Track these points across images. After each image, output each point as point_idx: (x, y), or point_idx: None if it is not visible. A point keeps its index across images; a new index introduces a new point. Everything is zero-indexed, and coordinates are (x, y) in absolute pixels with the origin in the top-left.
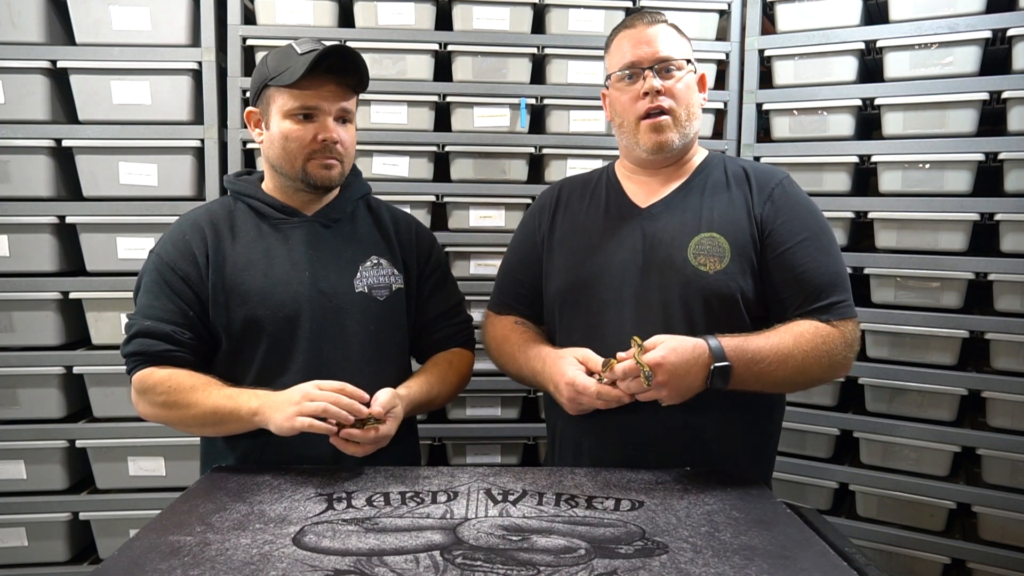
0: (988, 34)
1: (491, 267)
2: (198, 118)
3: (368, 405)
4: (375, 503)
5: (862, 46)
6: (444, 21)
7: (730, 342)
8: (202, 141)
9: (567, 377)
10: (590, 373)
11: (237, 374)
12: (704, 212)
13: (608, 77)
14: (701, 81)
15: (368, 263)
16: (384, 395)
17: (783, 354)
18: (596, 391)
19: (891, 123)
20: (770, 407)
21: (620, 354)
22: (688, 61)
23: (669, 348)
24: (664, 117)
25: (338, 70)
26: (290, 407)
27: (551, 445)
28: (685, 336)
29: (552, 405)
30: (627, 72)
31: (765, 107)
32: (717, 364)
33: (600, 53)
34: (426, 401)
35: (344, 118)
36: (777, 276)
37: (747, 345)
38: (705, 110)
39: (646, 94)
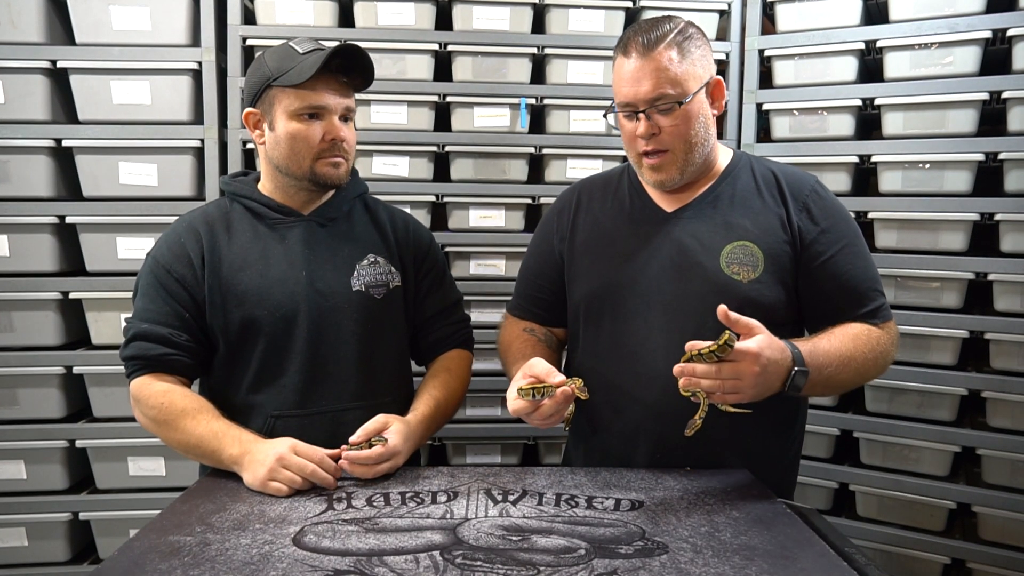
0: (988, 34)
1: (491, 267)
2: (198, 118)
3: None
4: (375, 503)
5: (862, 46)
6: (444, 21)
7: (804, 347)
8: (202, 141)
9: (509, 391)
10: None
11: (235, 376)
12: (735, 220)
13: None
14: (717, 89)
15: (365, 261)
16: (372, 423)
17: (846, 358)
18: (511, 408)
19: (891, 123)
20: (795, 410)
21: (699, 343)
22: (689, 90)
23: (766, 341)
24: (663, 156)
25: (345, 69)
26: (262, 468)
27: (574, 447)
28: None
29: (576, 408)
30: (624, 111)
31: (765, 107)
32: (798, 369)
33: (600, 53)
34: (438, 415)
35: (346, 116)
36: (819, 285)
37: (817, 350)
38: None
39: (641, 136)
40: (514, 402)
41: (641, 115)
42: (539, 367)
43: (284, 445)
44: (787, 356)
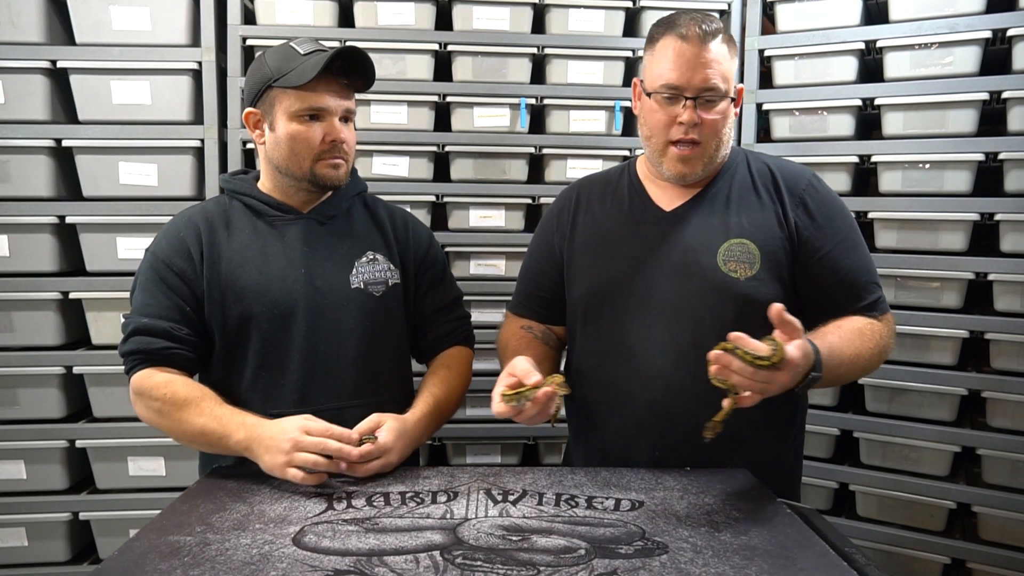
0: (988, 34)
1: (491, 267)
2: (198, 118)
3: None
4: (375, 503)
5: (862, 46)
6: (444, 21)
7: (822, 347)
8: (202, 141)
9: (494, 391)
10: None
11: (233, 373)
12: (732, 217)
13: (642, 74)
14: (739, 96)
15: (364, 259)
16: (365, 422)
17: (855, 356)
18: (494, 410)
19: (891, 123)
20: (793, 410)
21: (748, 340)
22: (731, 89)
23: (802, 349)
24: (695, 149)
25: (346, 71)
26: (280, 456)
27: (574, 446)
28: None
29: (576, 408)
30: (667, 93)
31: (765, 107)
32: (814, 374)
33: (600, 53)
34: (438, 413)
35: (347, 117)
36: (818, 280)
37: (833, 351)
38: None
39: (681, 123)
40: (496, 405)
41: (689, 102)
42: (519, 367)
43: (294, 428)
44: (810, 362)
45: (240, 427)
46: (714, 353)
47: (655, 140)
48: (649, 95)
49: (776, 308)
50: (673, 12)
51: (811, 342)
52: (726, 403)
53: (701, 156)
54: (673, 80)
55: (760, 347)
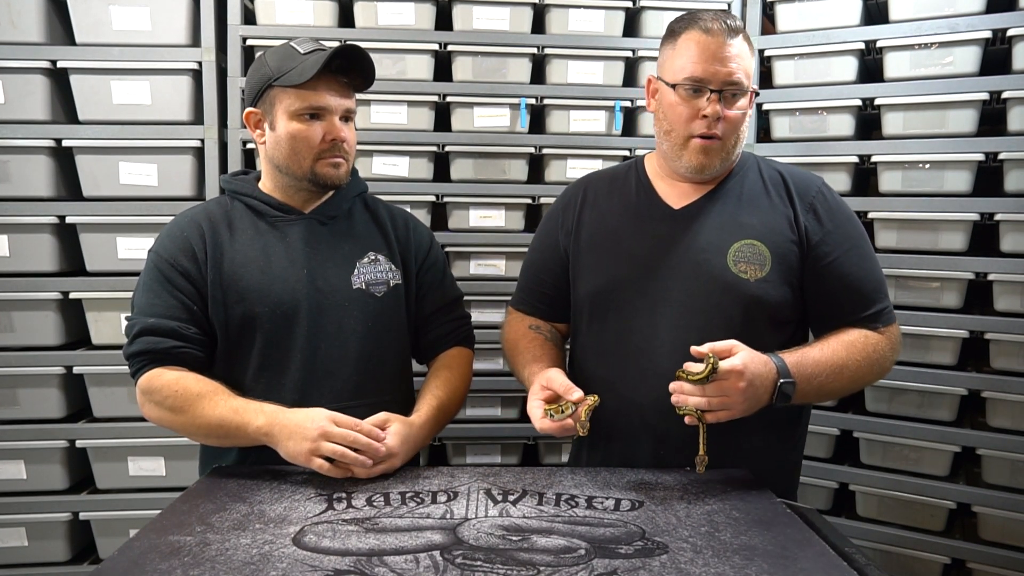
0: (988, 34)
1: (491, 267)
2: (198, 118)
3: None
4: (375, 503)
5: (862, 46)
6: (444, 21)
7: (790, 358)
8: (202, 141)
9: (530, 404)
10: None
11: (235, 373)
12: (743, 218)
13: (660, 69)
14: (753, 97)
15: (365, 259)
16: (373, 419)
17: (838, 366)
18: (539, 427)
19: (891, 123)
20: (798, 413)
21: (691, 365)
22: (750, 85)
23: (748, 356)
24: (715, 142)
25: (346, 70)
26: (305, 443)
27: (577, 447)
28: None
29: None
30: (691, 86)
31: (765, 107)
32: (784, 380)
33: (600, 53)
34: (441, 415)
35: (347, 116)
36: (825, 286)
37: (805, 360)
38: None
39: (705, 116)
40: (541, 421)
41: (713, 95)
42: (557, 381)
43: (323, 418)
44: (771, 368)
45: (259, 414)
46: (672, 384)
47: (675, 134)
48: (673, 87)
49: (694, 351)
50: (691, 10)
51: (774, 354)
52: (687, 420)
53: (720, 150)
54: (698, 73)
55: (700, 365)
